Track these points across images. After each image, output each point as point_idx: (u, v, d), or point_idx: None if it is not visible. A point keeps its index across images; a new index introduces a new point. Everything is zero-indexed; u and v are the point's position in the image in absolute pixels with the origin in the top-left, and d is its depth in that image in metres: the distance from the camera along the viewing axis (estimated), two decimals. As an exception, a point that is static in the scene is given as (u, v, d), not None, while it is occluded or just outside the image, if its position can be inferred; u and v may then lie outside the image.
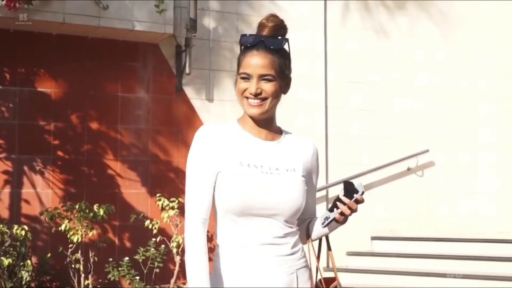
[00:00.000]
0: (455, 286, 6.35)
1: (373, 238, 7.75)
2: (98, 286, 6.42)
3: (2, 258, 5.65)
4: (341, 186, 2.24)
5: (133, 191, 6.89)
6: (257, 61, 2.18)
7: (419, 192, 8.24)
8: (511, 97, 8.87)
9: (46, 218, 6.14)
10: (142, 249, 6.47)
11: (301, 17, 7.79)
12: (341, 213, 2.22)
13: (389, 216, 8.00)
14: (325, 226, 2.27)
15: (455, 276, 6.42)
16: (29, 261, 5.83)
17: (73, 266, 6.21)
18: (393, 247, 7.51)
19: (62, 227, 6.06)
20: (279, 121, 2.32)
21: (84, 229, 6.11)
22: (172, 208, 6.48)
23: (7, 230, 5.84)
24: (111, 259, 6.44)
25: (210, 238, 2.47)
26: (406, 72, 8.39)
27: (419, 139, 8.27)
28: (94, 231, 6.22)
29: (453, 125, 8.55)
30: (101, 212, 6.13)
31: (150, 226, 6.45)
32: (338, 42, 8.03)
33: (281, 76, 2.24)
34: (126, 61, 7.02)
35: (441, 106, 8.51)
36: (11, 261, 5.68)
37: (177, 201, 6.51)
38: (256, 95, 2.17)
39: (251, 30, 7.32)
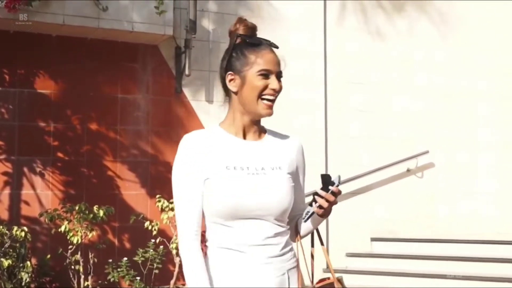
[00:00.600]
0: (454, 287, 6.35)
1: (373, 239, 7.75)
2: (98, 287, 6.42)
3: (2, 259, 5.65)
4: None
5: (132, 192, 6.89)
6: (274, 58, 2.21)
7: (419, 193, 8.24)
8: (511, 97, 8.88)
9: (46, 220, 6.14)
10: (141, 250, 6.47)
11: (301, 18, 7.79)
12: (320, 206, 2.20)
13: (389, 217, 8.00)
14: (305, 221, 2.26)
15: (454, 277, 6.42)
16: (28, 263, 5.83)
17: (72, 267, 6.20)
18: (392, 248, 7.50)
19: (62, 229, 6.05)
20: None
21: (83, 230, 6.11)
22: (172, 209, 6.47)
23: (7, 232, 5.84)
24: (110, 260, 6.43)
25: (203, 238, 2.46)
26: (405, 72, 8.39)
27: (418, 139, 8.28)
28: (94, 232, 6.21)
29: (453, 125, 8.55)
30: (101, 213, 6.13)
31: (149, 228, 6.45)
32: (338, 43, 8.03)
33: None
34: (125, 62, 7.02)
35: (440, 106, 8.51)
36: (10, 262, 5.67)
37: (176, 202, 6.51)
38: (277, 92, 2.19)
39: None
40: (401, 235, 7.78)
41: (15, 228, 5.86)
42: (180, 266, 6.47)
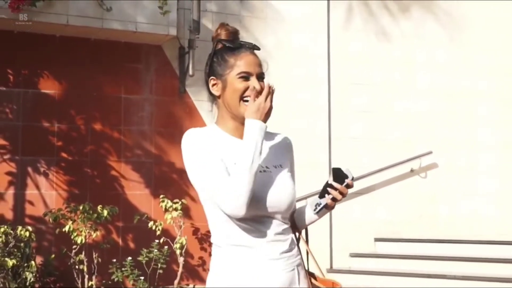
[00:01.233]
0: (456, 287, 6.35)
1: (376, 240, 7.76)
2: (102, 287, 6.43)
3: (7, 259, 5.67)
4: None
5: (136, 192, 6.90)
6: (254, 60, 2.23)
7: (422, 193, 8.24)
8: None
9: (50, 219, 6.16)
10: (145, 250, 6.48)
11: (304, 19, 7.80)
12: (333, 199, 2.22)
13: (392, 217, 8.00)
14: (317, 212, 2.28)
15: (455, 277, 6.42)
16: (33, 262, 5.84)
17: (77, 267, 6.22)
18: (396, 249, 7.51)
19: (66, 228, 6.07)
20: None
21: (88, 230, 6.12)
22: (176, 209, 6.49)
23: (11, 231, 5.86)
24: (114, 260, 6.45)
25: (208, 238, 2.47)
26: (408, 73, 8.39)
27: (421, 140, 8.28)
28: (98, 232, 6.23)
29: (455, 125, 8.55)
30: (105, 213, 6.15)
31: (153, 228, 6.47)
32: (341, 44, 8.03)
33: None
34: (129, 63, 7.03)
35: (443, 106, 8.51)
36: (15, 262, 5.69)
37: (180, 202, 6.52)
38: (259, 93, 2.18)
39: (253, 31, 7.35)
40: (404, 236, 7.78)
41: (20, 228, 5.89)
42: (184, 266, 6.49)
